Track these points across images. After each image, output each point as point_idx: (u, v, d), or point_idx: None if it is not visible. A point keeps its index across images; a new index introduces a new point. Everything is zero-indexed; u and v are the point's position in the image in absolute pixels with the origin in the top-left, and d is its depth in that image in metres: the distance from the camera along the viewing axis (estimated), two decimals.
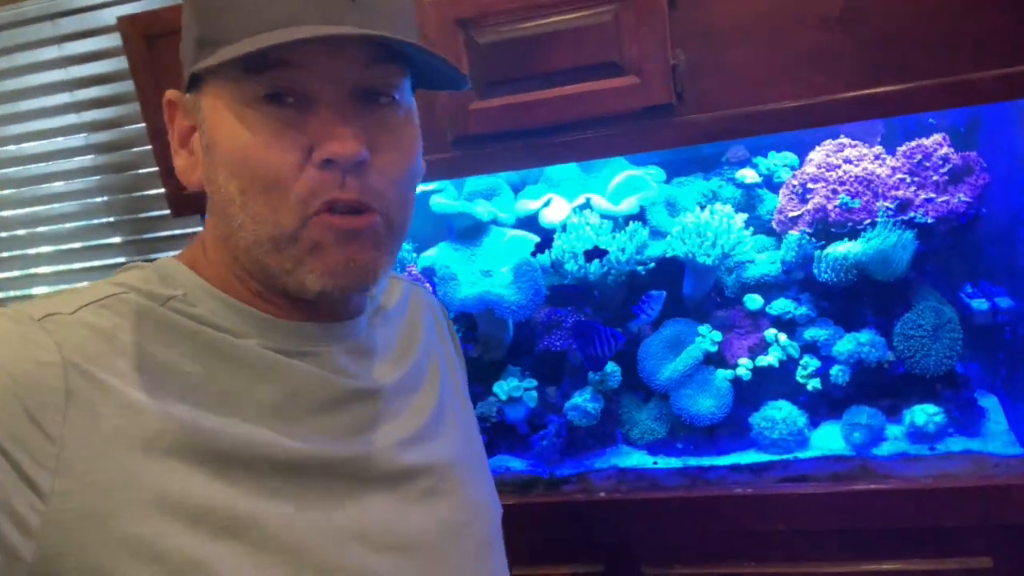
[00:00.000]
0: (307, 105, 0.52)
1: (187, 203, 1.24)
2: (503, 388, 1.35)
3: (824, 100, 1.05)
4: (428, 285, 1.39)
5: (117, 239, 1.82)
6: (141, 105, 1.25)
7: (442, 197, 1.37)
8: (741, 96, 1.07)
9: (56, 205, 1.82)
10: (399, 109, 0.56)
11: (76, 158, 1.78)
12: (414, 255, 1.43)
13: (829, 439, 1.26)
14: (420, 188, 1.37)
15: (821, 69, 1.05)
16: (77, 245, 1.85)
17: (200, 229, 1.63)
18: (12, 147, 1.81)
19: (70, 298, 0.52)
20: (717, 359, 1.32)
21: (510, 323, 1.38)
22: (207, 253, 0.59)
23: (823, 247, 1.25)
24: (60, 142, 1.78)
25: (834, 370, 1.25)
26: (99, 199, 1.80)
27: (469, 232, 1.40)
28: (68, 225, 1.84)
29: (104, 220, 1.81)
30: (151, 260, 0.60)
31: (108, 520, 0.46)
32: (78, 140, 1.77)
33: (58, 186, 1.81)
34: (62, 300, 0.52)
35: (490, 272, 1.36)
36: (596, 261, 1.29)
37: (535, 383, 1.37)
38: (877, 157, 1.28)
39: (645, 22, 1.05)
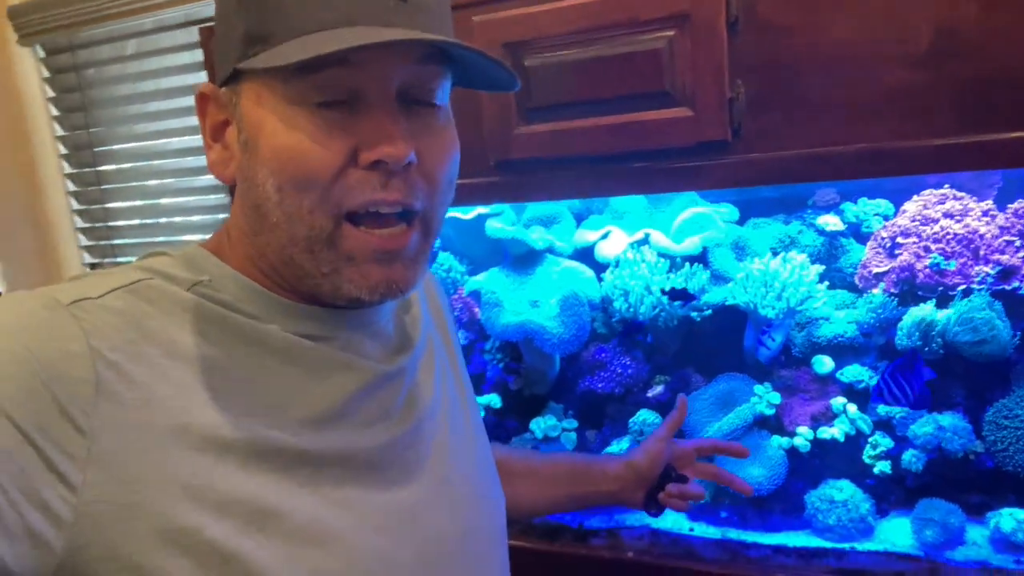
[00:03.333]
0: (355, 106, 0.51)
1: None
2: (540, 425, 1.28)
3: (905, 146, 0.92)
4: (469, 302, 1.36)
5: None
6: None
7: (498, 221, 1.33)
8: (807, 136, 0.95)
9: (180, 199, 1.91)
10: (440, 112, 0.55)
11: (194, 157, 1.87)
12: (465, 277, 1.40)
13: (896, 533, 1.10)
14: (477, 211, 1.35)
15: (903, 111, 0.91)
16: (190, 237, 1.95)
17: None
18: (152, 143, 1.91)
19: (98, 282, 0.52)
20: (774, 424, 1.19)
21: (556, 358, 1.32)
22: (232, 243, 0.58)
23: (905, 311, 1.09)
24: (185, 141, 1.87)
25: (907, 454, 1.08)
26: (216, 196, 1.87)
27: (522, 260, 1.35)
28: (184, 219, 1.93)
29: (221, 217, 1.88)
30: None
31: (138, 512, 0.46)
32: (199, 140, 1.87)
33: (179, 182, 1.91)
34: (90, 284, 0.52)
35: (538, 302, 1.30)
36: (677, 303, 1.20)
37: (575, 424, 1.30)
38: (985, 213, 1.10)
39: (701, 50, 0.96)
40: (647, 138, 1.02)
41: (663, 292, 1.20)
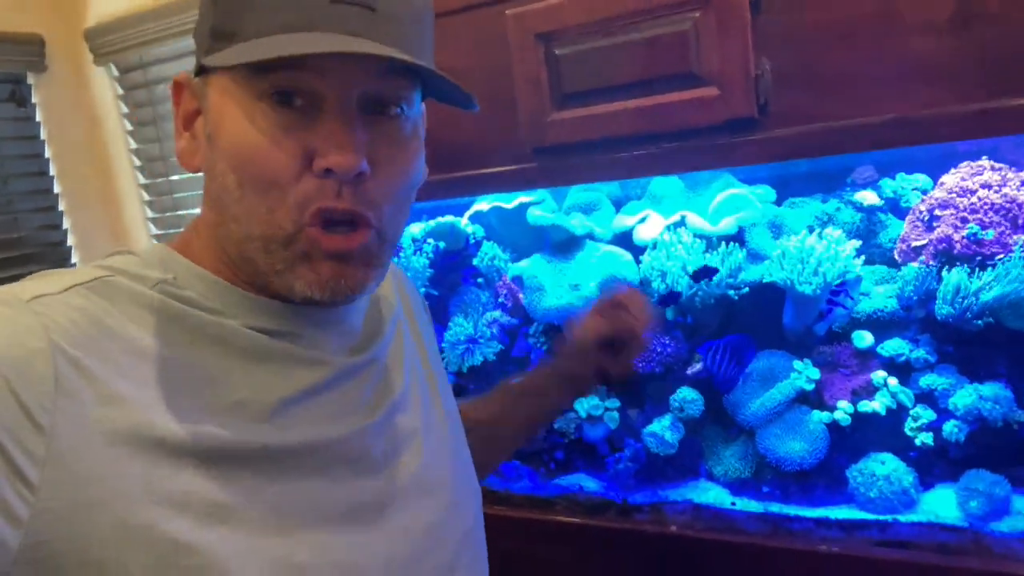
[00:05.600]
0: (314, 108, 0.52)
1: None
2: (583, 405, 1.32)
3: (932, 114, 0.93)
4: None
5: None
6: None
7: (539, 209, 1.38)
8: (833, 109, 0.97)
9: None
10: (405, 122, 0.56)
11: None
12: (508, 264, 1.45)
13: (940, 504, 1.10)
14: (519, 200, 1.40)
15: (929, 79, 0.92)
16: None
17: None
18: None
19: (58, 279, 0.52)
20: (815, 399, 1.20)
21: None
22: (200, 237, 0.59)
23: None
24: None
25: (948, 425, 1.08)
26: None
27: (563, 246, 1.39)
28: None
29: None
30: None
31: (96, 509, 0.46)
32: None
33: None
34: (50, 281, 0.52)
35: (579, 286, 1.34)
36: (703, 281, 1.23)
37: (618, 403, 1.33)
38: None
39: (726, 30, 0.99)
40: (676, 119, 1.05)
41: (689, 276, 1.23)
